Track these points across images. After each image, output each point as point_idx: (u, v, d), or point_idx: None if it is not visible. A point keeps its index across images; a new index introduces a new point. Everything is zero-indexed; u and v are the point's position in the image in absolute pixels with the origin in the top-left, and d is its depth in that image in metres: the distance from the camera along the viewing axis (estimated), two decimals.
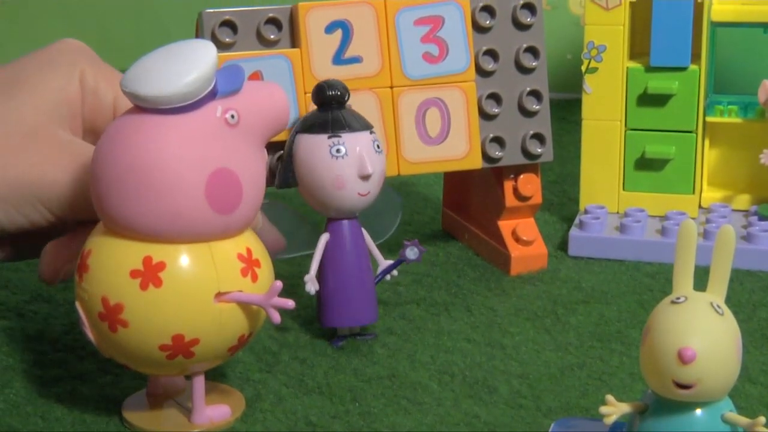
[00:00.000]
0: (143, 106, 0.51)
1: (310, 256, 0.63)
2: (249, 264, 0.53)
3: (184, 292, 0.51)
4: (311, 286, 0.62)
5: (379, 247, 0.65)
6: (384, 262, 0.65)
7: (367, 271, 0.64)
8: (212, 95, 0.51)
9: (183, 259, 0.51)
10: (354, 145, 0.61)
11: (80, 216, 0.58)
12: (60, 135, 0.60)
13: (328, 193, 0.62)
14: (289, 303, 0.52)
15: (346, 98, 0.63)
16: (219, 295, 0.52)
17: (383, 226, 0.76)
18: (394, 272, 0.65)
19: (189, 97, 0.50)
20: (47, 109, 0.60)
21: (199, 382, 0.54)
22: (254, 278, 0.53)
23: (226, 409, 0.55)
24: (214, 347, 0.53)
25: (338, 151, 0.61)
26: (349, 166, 0.61)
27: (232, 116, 0.52)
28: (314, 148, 0.62)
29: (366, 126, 0.63)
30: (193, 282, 0.51)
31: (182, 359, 0.52)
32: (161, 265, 0.51)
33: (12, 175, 0.58)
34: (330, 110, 0.63)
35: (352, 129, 0.62)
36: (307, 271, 0.63)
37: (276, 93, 0.54)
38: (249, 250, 0.53)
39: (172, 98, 0.50)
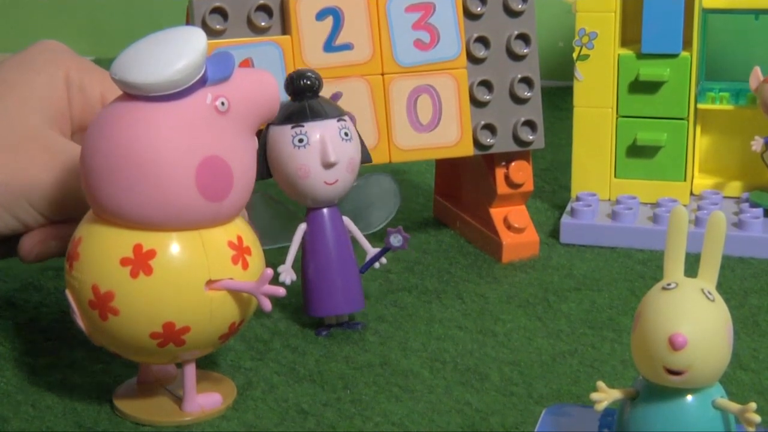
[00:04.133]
0: (133, 94, 0.51)
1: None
2: (240, 251, 0.53)
3: (175, 280, 0.51)
4: (286, 276, 0.62)
5: (368, 236, 0.65)
6: (371, 250, 0.65)
7: (349, 259, 0.64)
8: (202, 82, 0.51)
9: (173, 246, 0.51)
10: (316, 133, 0.61)
11: (69, 216, 0.59)
12: (48, 137, 0.59)
13: (296, 183, 0.61)
14: (280, 291, 0.52)
15: (317, 87, 0.62)
16: (210, 283, 0.52)
17: (379, 215, 0.76)
18: (383, 260, 0.65)
19: (179, 84, 0.50)
20: (33, 112, 0.59)
21: (190, 371, 0.54)
22: (245, 266, 0.53)
23: (218, 397, 0.55)
24: (205, 335, 0.52)
25: (300, 140, 0.61)
26: (311, 156, 0.61)
27: (223, 103, 0.52)
28: (280, 138, 0.61)
29: (335, 113, 0.62)
30: (183, 270, 0.51)
31: (173, 347, 0.52)
32: (152, 253, 0.51)
33: (2, 181, 0.58)
34: (301, 100, 0.62)
35: (316, 117, 0.61)
36: (283, 262, 0.62)
37: (266, 80, 0.54)
38: (240, 238, 0.53)
39: (161, 85, 0.50)
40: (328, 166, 0.61)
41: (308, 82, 0.62)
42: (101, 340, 0.53)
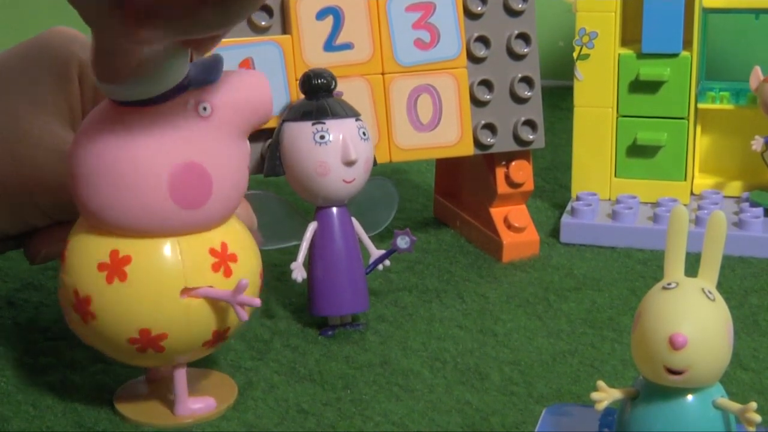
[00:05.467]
0: (114, 99, 0.50)
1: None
2: (222, 259, 0.52)
3: (149, 287, 0.50)
4: (298, 274, 0.62)
5: (371, 236, 0.65)
6: (376, 252, 0.65)
7: (356, 260, 0.64)
8: (183, 87, 0.50)
9: (148, 253, 0.50)
10: (338, 131, 0.61)
11: (76, 216, 0.57)
12: (56, 135, 0.58)
13: (313, 180, 0.62)
14: (255, 301, 0.51)
15: (333, 86, 0.63)
16: (186, 291, 0.51)
17: (378, 218, 0.76)
18: (387, 262, 0.65)
19: (152, 89, 0.49)
20: (43, 108, 0.58)
21: (180, 375, 0.54)
22: (227, 273, 0.52)
23: (211, 402, 0.55)
24: (185, 342, 0.52)
25: (322, 137, 0.61)
26: (332, 153, 0.61)
27: (204, 108, 0.50)
28: (298, 134, 0.62)
29: (352, 113, 0.63)
30: (158, 277, 0.50)
31: (153, 353, 0.51)
32: (127, 259, 0.50)
33: (10, 183, 0.57)
34: (317, 99, 0.63)
35: (336, 115, 0.62)
36: (294, 260, 0.63)
37: (258, 83, 0.52)
38: (224, 245, 0.52)
39: (135, 90, 0.49)
40: (349, 164, 0.61)
41: (324, 81, 0.63)
42: (90, 341, 0.53)
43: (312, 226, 0.63)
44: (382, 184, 0.68)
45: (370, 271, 0.65)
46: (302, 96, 0.64)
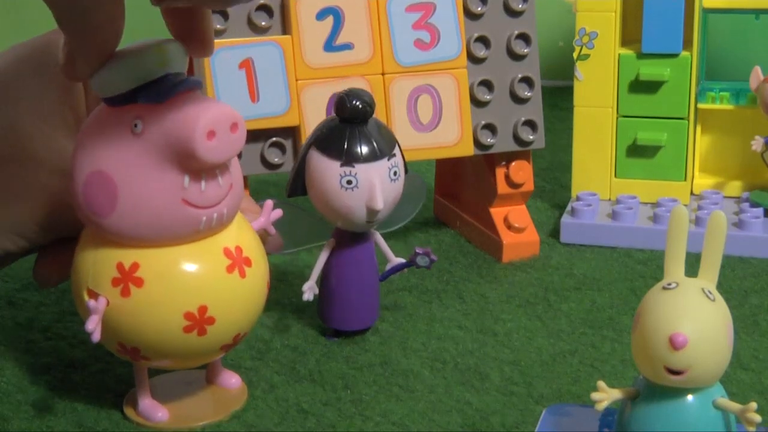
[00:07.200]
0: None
1: (311, 250, 0.63)
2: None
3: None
4: (310, 294, 0.61)
5: (394, 230, 0.64)
6: (393, 260, 0.63)
7: (373, 279, 0.63)
8: (132, 99, 0.49)
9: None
10: (366, 177, 0.58)
11: (77, 232, 0.56)
12: (59, 150, 0.55)
13: (335, 215, 0.60)
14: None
15: (368, 114, 0.59)
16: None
17: (404, 211, 0.75)
18: (404, 270, 0.64)
19: (100, 92, 0.49)
20: (49, 120, 0.55)
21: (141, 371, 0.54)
22: (127, 292, 0.51)
23: (163, 415, 0.55)
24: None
25: (349, 182, 0.58)
26: (358, 198, 0.58)
27: (136, 125, 0.49)
28: (325, 171, 0.58)
29: (386, 150, 0.59)
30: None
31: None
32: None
33: (11, 203, 0.55)
34: (350, 125, 0.59)
35: (368, 159, 0.58)
36: (305, 274, 0.62)
37: (190, 123, 0.48)
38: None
39: (95, 88, 0.49)
40: (373, 212, 0.59)
41: (359, 105, 0.58)
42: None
43: (328, 248, 0.62)
44: (411, 179, 0.67)
45: (384, 278, 0.64)
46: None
